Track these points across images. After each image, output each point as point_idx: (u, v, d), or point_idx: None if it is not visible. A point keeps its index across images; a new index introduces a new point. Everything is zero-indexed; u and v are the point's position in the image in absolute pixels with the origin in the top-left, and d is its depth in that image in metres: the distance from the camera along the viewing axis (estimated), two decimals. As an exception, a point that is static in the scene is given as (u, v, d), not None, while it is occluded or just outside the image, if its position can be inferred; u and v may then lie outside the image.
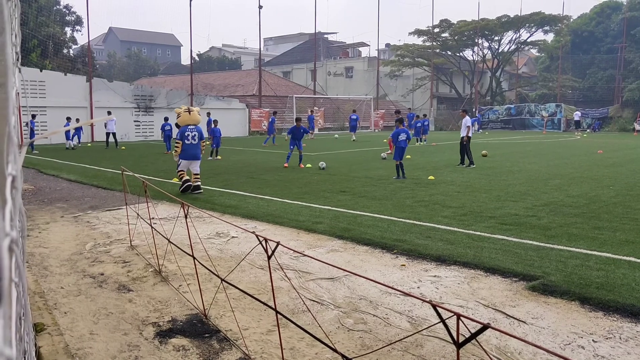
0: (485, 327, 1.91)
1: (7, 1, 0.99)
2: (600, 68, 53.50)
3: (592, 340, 4.16)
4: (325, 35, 75.65)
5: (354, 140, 30.73)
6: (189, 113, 11.46)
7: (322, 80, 60.18)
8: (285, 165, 16.39)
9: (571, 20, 56.08)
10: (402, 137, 13.88)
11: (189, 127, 11.40)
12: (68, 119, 26.47)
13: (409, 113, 36.72)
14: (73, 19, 43.85)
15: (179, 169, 11.57)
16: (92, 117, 31.07)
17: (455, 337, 2.03)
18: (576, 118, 44.17)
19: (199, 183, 11.34)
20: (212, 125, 20.51)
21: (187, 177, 11.38)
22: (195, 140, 11.34)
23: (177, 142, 11.55)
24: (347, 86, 61.03)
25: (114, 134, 26.11)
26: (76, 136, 26.19)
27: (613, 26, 53.00)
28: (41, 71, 29.98)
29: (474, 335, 1.96)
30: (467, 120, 16.67)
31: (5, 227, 0.47)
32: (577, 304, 4.86)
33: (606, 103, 50.49)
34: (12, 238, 0.47)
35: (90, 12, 34.75)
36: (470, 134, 16.50)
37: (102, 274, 6.00)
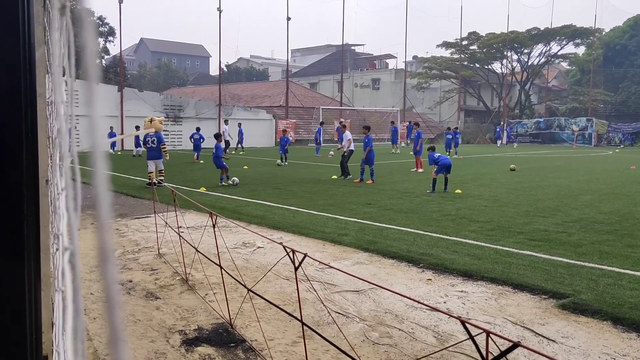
0: (515, 345, 1.89)
1: (60, 16, 1.03)
2: (634, 82, 52.44)
3: (625, 361, 4.05)
4: (353, 47, 75.93)
5: (393, 152, 30.19)
6: (150, 122, 13.89)
7: (349, 91, 60.34)
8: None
9: (603, 33, 55.18)
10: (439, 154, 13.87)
11: (149, 134, 13.83)
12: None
13: (446, 132, 29.35)
14: (106, 30, 45.08)
15: (149, 170, 13.99)
16: (122, 126, 31.81)
17: (484, 355, 2.01)
18: None
19: (162, 177, 14.04)
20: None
21: (153, 179, 13.62)
22: (154, 144, 13.88)
23: (144, 146, 14.67)
24: (374, 98, 61.05)
25: None
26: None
27: (647, 39, 51.99)
28: (75, 80, 30.85)
29: (503, 353, 1.93)
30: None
31: (64, 241, 0.50)
32: (609, 324, 4.74)
33: (640, 118, 49.45)
34: (71, 252, 0.50)
35: (122, 23, 35.60)
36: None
37: (131, 281, 6.10)
